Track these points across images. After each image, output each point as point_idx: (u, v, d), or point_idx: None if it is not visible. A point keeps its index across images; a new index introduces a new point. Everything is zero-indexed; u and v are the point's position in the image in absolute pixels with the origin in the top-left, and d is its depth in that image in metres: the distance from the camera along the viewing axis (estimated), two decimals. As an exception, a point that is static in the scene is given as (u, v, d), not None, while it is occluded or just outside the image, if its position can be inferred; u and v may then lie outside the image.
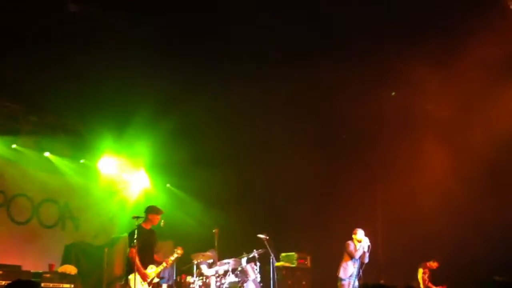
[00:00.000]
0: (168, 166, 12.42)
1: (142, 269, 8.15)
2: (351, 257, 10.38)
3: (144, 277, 8.14)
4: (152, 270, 8.29)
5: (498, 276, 11.06)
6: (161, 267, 8.44)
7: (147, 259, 8.29)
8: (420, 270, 11.95)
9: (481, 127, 10.72)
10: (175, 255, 8.65)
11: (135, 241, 8.10)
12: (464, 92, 10.32)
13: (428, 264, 12.00)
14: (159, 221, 8.63)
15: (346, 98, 10.94)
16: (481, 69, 9.73)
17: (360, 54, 9.72)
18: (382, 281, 12.29)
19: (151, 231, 8.58)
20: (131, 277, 8.04)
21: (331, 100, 11.16)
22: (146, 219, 8.52)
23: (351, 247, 10.34)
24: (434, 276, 11.97)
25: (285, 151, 12.48)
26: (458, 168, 11.38)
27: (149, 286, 8.21)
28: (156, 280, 8.39)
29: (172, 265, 11.93)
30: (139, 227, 8.40)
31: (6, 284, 4.32)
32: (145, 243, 8.31)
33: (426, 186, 11.76)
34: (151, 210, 8.62)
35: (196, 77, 10.32)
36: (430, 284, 11.85)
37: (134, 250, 8.12)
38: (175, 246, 12.09)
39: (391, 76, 10.33)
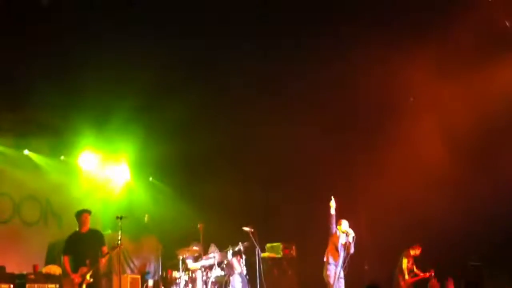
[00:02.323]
0: (150, 161, 12.33)
1: (71, 274, 8.25)
2: (335, 245, 10.46)
3: (71, 282, 8.22)
4: (81, 273, 8.29)
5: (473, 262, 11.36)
6: (90, 268, 8.33)
7: (78, 263, 8.34)
8: (405, 260, 11.89)
9: (467, 110, 10.79)
10: (115, 249, 8.63)
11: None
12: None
13: (411, 251, 11.97)
14: (87, 220, 8.63)
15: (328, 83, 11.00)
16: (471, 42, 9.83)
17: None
18: (366, 267, 12.46)
19: (88, 233, 8.61)
20: (63, 282, 8.42)
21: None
22: (78, 224, 8.65)
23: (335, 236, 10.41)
24: (420, 262, 12.07)
25: (266, 142, 12.47)
26: (440, 155, 11.47)
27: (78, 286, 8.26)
28: (88, 279, 8.30)
29: (157, 260, 12.01)
30: (73, 232, 8.65)
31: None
32: (78, 247, 8.42)
33: (410, 172, 11.82)
34: (76, 214, 8.71)
35: (178, 70, 10.26)
36: (417, 271, 11.90)
37: (64, 257, 8.37)
38: (158, 241, 12.21)
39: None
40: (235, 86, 11.09)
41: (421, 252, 11.99)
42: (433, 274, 11.74)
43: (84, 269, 8.25)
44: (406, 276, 11.75)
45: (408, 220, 11.75)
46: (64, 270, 8.31)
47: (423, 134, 11.78)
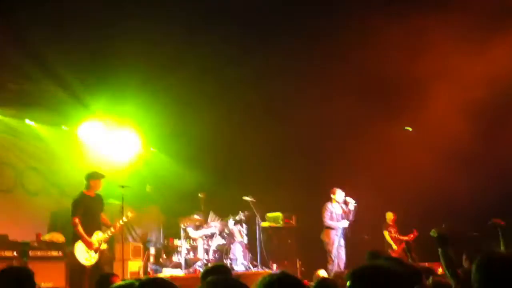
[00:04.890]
0: (153, 130, 12.33)
1: (86, 237, 8.23)
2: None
3: (89, 245, 8.22)
4: (97, 237, 8.35)
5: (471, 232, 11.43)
6: (108, 233, 8.51)
7: (92, 227, 8.39)
8: (386, 233, 12.14)
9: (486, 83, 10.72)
10: (124, 219, 8.73)
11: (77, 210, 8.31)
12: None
13: (387, 221, 12.17)
14: (100, 186, 8.71)
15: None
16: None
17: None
18: (366, 237, 12.58)
19: (95, 198, 8.64)
20: (75, 245, 8.21)
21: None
22: (88, 186, 8.59)
23: (326, 215, 10.52)
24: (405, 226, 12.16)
25: (268, 111, 12.46)
26: (457, 128, 11.39)
27: (95, 253, 8.30)
28: (104, 246, 8.46)
29: (159, 229, 12.12)
30: (81, 194, 8.55)
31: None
32: (88, 211, 8.40)
33: (421, 144, 11.81)
34: (91, 176, 8.68)
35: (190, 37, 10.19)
36: (400, 237, 12.05)
37: (75, 219, 8.24)
38: (160, 211, 12.30)
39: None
40: (250, 53, 10.99)
41: (397, 217, 12.11)
42: (415, 234, 11.88)
43: (101, 233, 8.37)
44: (394, 246, 11.98)
45: (415, 193, 11.73)
46: (76, 232, 8.23)
47: (440, 107, 11.68)
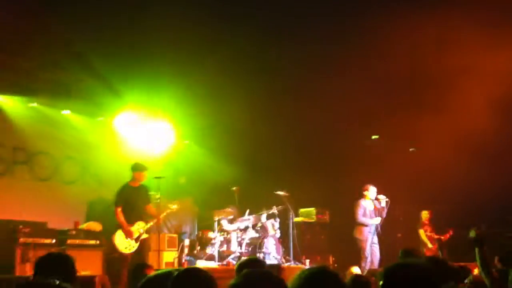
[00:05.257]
0: (188, 122, 12.41)
1: (126, 226, 8.52)
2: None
3: (128, 234, 8.44)
4: (139, 226, 8.50)
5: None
6: (150, 223, 8.75)
7: (134, 216, 8.66)
8: (421, 231, 11.98)
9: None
10: (168, 210, 8.88)
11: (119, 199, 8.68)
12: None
13: (422, 220, 12.00)
14: (145, 177, 8.99)
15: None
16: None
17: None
18: (399, 235, 12.44)
19: (139, 188, 8.90)
20: (116, 234, 8.54)
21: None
22: (133, 177, 8.86)
23: (359, 212, 10.44)
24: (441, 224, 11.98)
25: (306, 104, 12.40)
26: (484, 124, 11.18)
27: (136, 242, 8.45)
28: (145, 235, 8.63)
29: (193, 221, 12.23)
30: (125, 185, 8.87)
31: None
32: (130, 201, 8.70)
33: (450, 140, 11.60)
34: (135, 168, 8.93)
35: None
36: (435, 236, 11.88)
37: (118, 209, 8.60)
38: (194, 203, 12.40)
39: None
40: (286, 39, 10.97)
41: (433, 215, 11.94)
42: (451, 233, 11.69)
43: (142, 223, 8.56)
44: (430, 245, 11.81)
45: (449, 191, 11.55)
46: (118, 221, 8.56)
47: (467, 102, 11.47)
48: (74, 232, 9.19)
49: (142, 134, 12.20)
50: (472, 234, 4.51)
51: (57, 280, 3.68)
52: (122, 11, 9.80)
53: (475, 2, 9.68)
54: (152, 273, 4.53)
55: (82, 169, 11.77)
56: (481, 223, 4.57)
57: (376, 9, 9.98)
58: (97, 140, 11.88)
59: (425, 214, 12.04)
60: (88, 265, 8.47)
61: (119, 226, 8.60)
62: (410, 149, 11.81)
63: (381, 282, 2.82)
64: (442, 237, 11.83)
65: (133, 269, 5.33)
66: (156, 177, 9.10)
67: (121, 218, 8.56)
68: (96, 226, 9.74)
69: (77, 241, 8.97)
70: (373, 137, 11.81)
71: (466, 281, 4.33)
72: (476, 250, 4.43)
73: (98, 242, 9.17)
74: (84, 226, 9.82)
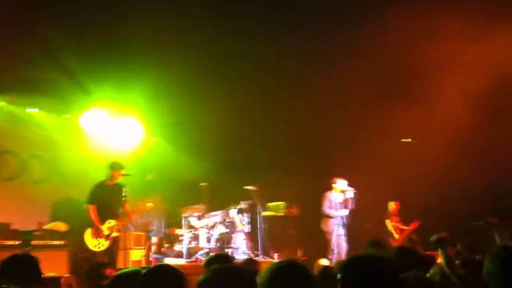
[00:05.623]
0: (156, 119, 12.32)
1: (97, 224, 8.47)
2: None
3: (98, 231, 8.45)
4: (111, 224, 8.46)
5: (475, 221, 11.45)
6: (122, 222, 8.75)
7: (107, 215, 8.58)
8: (388, 222, 12.10)
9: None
10: (140, 208, 8.85)
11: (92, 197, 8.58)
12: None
13: (389, 211, 12.16)
14: (122, 176, 8.85)
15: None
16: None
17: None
18: (367, 226, 12.58)
19: (114, 187, 8.80)
20: (86, 232, 8.48)
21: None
22: (109, 176, 8.79)
23: (325, 204, 10.54)
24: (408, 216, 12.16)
25: (272, 101, 12.44)
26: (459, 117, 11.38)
27: (106, 240, 8.42)
28: (115, 234, 8.60)
29: (161, 218, 12.14)
30: (100, 183, 8.77)
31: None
32: (104, 199, 8.63)
33: (423, 132, 11.79)
34: (113, 166, 8.86)
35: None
36: (402, 227, 12.06)
37: (90, 207, 8.54)
38: (163, 200, 12.30)
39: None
40: (258, 42, 10.99)
41: (400, 206, 12.11)
42: (417, 223, 11.88)
43: (114, 222, 8.47)
44: (396, 236, 11.94)
45: (417, 183, 11.70)
46: (90, 219, 8.49)
47: (444, 95, 11.64)
48: (39, 233, 9.06)
49: (110, 131, 12.08)
50: (433, 239, 4.66)
51: (5, 285, 3.61)
52: (91, 9, 9.70)
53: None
54: (113, 273, 4.49)
55: (49, 168, 11.60)
56: (441, 231, 4.71)
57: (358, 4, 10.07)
58: (64, 138, 11.73)
59: (392, 205, 12.21)
60: (53, 266, 8.32)
61: (90, 224, 8.51)
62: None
63: (338, 275, 2.86)
64: (408, 227, 12.00)
65: (88, 269, 5.20)
66: (124, 174, 8.98)
67: (93, 216, 8.50)
68: (61, 226, 9.60)
69: (42, 242, 8.84)
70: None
71: (431, 271, 4.42)
72: (440, 251, 4.51)
73: (63, 242, 9.05)
74: (49, 226, 9.65)
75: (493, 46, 10.50)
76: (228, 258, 5.13)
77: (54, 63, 10.16)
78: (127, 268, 6.67)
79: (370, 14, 10.36)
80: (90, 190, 8.73)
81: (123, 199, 8.79)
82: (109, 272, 4.73)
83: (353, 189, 10.60)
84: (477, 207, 11.40)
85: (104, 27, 10.21)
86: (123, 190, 8.83)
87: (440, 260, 6.00)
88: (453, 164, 11.57)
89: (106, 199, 8.64)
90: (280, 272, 2.87)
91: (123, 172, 8.84)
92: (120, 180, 8.93)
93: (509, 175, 11.15)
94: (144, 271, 3.42)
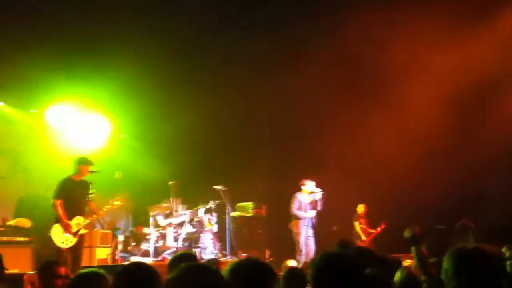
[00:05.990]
0: (123, 116, 12.18)
1: (65, 220, 8.21)
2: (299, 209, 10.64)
3: (66, 228, 8.18)
4: (78, 221, 8.29)
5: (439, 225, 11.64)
6: (90, 219, 8.49)
7: (73, 211, 8.33)
8: (356, 223, 12.31)
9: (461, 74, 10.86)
10: (108, 206, 8.69)
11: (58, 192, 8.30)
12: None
13: (358, 213, 12.33)
14: (89, 172, 8.63)
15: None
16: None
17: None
18: (334, 228, 12.69)
19: (81, 183, 8.59)
20: (53, 228, 8.18)
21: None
22: (76, 171, 8.55)
23: (294, 205, 10.59)
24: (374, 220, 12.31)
25: (241, 99, 12.43)
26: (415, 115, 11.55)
27: (74, 236, 8.25)
28: (83, 231, 8.40)
29: (127, 216, 12.02)
30: (67, 178, 8.51)
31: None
32: (72, 195, 8.38)
33: (382, 135, 11.91)
34: (80, 162, 8.63)
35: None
36: (369, 230, 12.22)
37: (57, 201, 8.25)
38: (129, 198, 12.18)
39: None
40: (222, 39, 10.96)
41: (368, 209, 12.26)
42: (384, 226, 12.04)
43: (82, 218, 8.27)
44: (363, 237, 12.13)
45: (386, 186, 11.83)
46: (56, 214, 8.20)
47: (415, 98, 11.78)
48: (2, 229, 8.85)
49: (77, 127, 11.89)
50: (407, 234, 4.64)
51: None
52: (61, 2, 9.57)
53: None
54: (66, 271, 4.41)
55: (13, 163, 11.33)
56: (415, 224, 4.69)
57: (325, 11, 10.15)
58: (29, 133, 11.51)
59: (360, 208, 12.36)
60: (17, 263, 8.16)
61: (57, 220, 8.23)
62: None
63: (310, 272, 2.96)
64: (375, 230, 12.15)
65: (41, 266, 5.04)
66: (91, 171, 8.83)
67: (59, 210, 8.21)
68: (25, 222, 9.40)
69: (5, 238, 8.63)
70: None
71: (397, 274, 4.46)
72: (413, 249, 4.54)
73: (27, 239, 8.86)
74: (12, 222, 9.44)
75: (461, 49, 10.71)
76: (193, 257, 5.07)
77: (18, 56, 9.96)
78: (90, 267, 6.54)
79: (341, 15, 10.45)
80: (57, 185, 8.47)
81: (89, 196, 8.61)
82: (63, 271, 4.59)
83: (321, 190, 10.65)
84: (441, 210, 11.60)
85: (74, 21, 10.07)
86: (90, 187, 8.66)
87: (406, 262, 6.07)
88: (421, 167, 11.77)
89: (74, 194, 8.41)
90: (240, 269, 2.89)
91: (91, 168, 8.65)
92: (87, 176, 8.76)
93: (476, 177, 11.40)
94: (102, 271, 3.39)
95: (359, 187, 12.18)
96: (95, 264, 9.41)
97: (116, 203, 8.77)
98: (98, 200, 8.82)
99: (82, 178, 8.60)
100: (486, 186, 11.98)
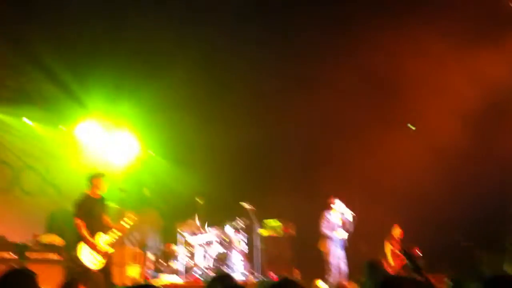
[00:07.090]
0: (151, 134, 12.22)
1: (90, 239, 7.93)
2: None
3: (93, 247, 7.94)
4: (103, 239, 8.10)
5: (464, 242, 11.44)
6: (113, 236, 8.19)
7: (95, 229, 8.04)
8: (387, 245, 11.65)
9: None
10: (129, 221, 8.38)
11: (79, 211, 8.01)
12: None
13: (393, 235, 11.72)
14: (103, 185, 8.35)
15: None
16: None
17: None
18: (363, 248, 12.48)
19: (98, 199, 8.33)
20: (79, 248, 7.90)
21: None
22: (91, 186, 8.28)
23: (323, 223, 10.43)
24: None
25: (268, 117, 12.41)
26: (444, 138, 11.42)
27: (104, 258, 8.00)
28: (111, 250, 8.13)
29: (157, 233, 11.98)
30: (85, 195, 8.23)
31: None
32: (91, 212, 8.08)
33: (411, 153, 11.78)
34: (92, 176, 8.38)
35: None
36: (400, 255, 11.61)
37: (78, 221, 7.95)
38: (159, 215, 12.17)
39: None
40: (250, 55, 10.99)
41: (403, 233, 11.87)
42: (416, 252, 11.62)
43: (104, 236, 8.10)
44: (392, 262, 11.46)
45: (409, 202, 11.70)
46: (79, 234, 7.91)
47: (425, 115, 11.71)
48: (34, 246, 8.84)
49: (105, 144, 11.93)
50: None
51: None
52: (86, 20, 9.66)
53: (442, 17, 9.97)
54: None
55: (43, 179, 11.43)
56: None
57: (349, 24, 10.13)
58: (59, 150, 11.60)
59: (397, 230, 11.76)
60: (48, 281, 8.06)
61: (81, 239, 7.92)
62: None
63: None
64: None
65: (65, 284, 4.95)
66: (120, 189, 8.74)
67: (84, 231, 7.88)
68: (56, 239, 9.36)
69: (37, 255, 8.62)
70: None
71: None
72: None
73: (59, 256, 8.81)
74: (43, 239, 9.42)
75: (477, 64, 10.62)
76: (231, 279, 4.99)
77: (47, 74, 10.08)
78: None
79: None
80: (76, 202, 8.19)
81: (105, 212, 8.42)
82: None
83: (351, 212, 10.50)
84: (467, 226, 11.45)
85: (100, 39, 10.14)
86: (105, 202, 8.47)
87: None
88: (445, 183, 11.59)
89: (93, 212, 8.12)
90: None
91: (104, 179, 8.38)
92: (116, 195, 8.63)
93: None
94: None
95: (388, 206, 12.01)
96: (126, 282, 9.31)
97: (133, 217, 8.47)
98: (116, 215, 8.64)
99: (100, 194, 8.46)
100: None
